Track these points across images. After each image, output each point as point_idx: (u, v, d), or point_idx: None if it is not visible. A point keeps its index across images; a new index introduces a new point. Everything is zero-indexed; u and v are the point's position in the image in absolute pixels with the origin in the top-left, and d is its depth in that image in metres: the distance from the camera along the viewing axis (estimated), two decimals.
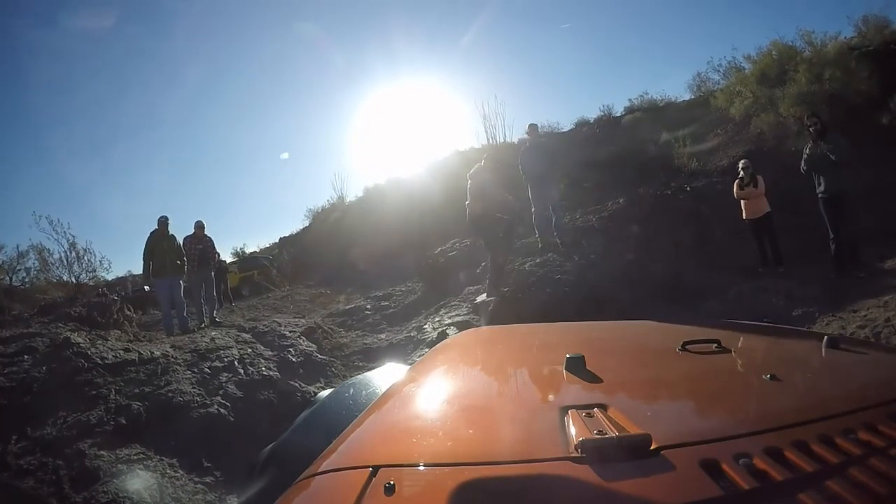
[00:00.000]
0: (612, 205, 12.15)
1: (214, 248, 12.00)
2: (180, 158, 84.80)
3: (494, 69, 62.39)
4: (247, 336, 7.77)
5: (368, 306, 11.57)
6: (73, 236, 13.72)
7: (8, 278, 14.69)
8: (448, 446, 0.97)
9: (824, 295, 7.55)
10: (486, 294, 8.95)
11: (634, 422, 0.91)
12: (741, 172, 9.81)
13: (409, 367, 1.99)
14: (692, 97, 20.22)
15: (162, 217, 10.69)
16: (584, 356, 1.28)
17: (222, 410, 5.91)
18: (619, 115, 21.24)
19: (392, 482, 0.78)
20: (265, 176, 79.99)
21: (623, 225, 11.01)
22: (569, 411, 0.97)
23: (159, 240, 10.49)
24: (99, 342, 7.09)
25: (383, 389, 1.59)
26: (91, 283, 15.11)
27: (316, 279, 19.36)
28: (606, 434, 0.84)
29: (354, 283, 16.35)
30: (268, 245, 33.25)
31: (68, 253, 13.40)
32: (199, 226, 11.54)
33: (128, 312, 10.82)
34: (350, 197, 26.25)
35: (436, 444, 0.98)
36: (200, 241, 11.41)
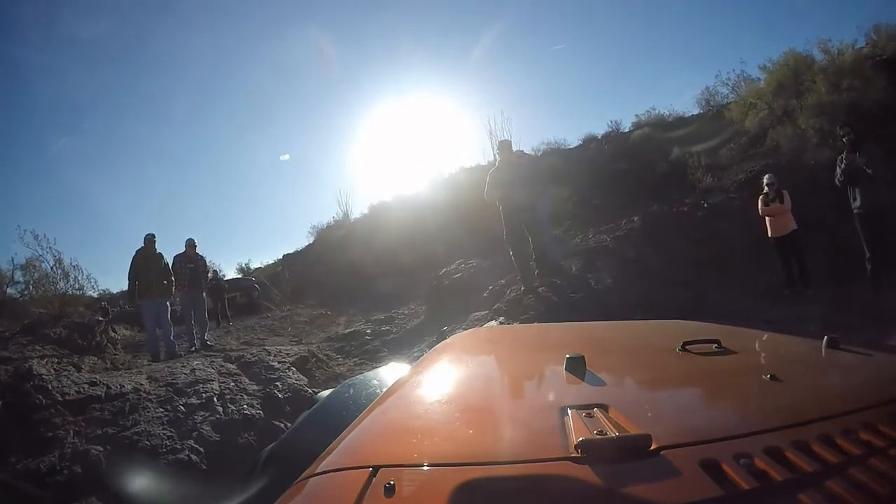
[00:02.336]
0: (626, 223, 11.30)
1: (206, 267, 11.25)
2: (184, 173, 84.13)
3: (500, 85, 61.58)
4: (231, 367, 6.93)
5: (368, 331, 10.67)
6: (59, 252, 12.96)
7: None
8: (448, 446, 0.93)
9: (866, 321, 6.62)
10: (521, 285, 8.48)
11: (634, 422, 0.88)
12: (765, 188, 9.05)
13: (409, 367, 1.92)
14: (701, 111, 19.79)
15: (149, 235, 9.90)
16: (584, 356, 1.25)
17: (194, 457, 5.10)
18: (627, 130, 20.75)
19: (392, 482, 0.74)
20: (270, 192, 79.27)
21: (639, 245, 10.22)
22: (569, 411, 0.94)
23: (146, 258, 9.68)
24: (65, 373, 6.33)
25: (383, 389, 1.57)
26: (95, 296, 14.48)
27: (317, 299, 18.53)
28: (606, 434, 0.82)
29: (356, 303, 15.54)
30: (272, 262, 32.44)
31: (54, 269, 12.64)
32: (191, 244, 10.76)
33: (112, 334, 10.06)
34: (355, 214, 25.90)
35: (436, 444, 0.94)
36: (192, 261, 10.62)
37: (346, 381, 2.22)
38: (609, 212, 13.26)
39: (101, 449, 5.05)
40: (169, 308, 9.93)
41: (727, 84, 18.57)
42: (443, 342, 2.16)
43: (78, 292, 13.01)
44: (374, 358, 8.79)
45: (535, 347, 1.96)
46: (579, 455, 0.77)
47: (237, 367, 6.96)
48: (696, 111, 20.04)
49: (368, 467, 0.81)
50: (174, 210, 72.59)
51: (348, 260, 19.72)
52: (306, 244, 27.98)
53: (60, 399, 5.64)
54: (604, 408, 0.95)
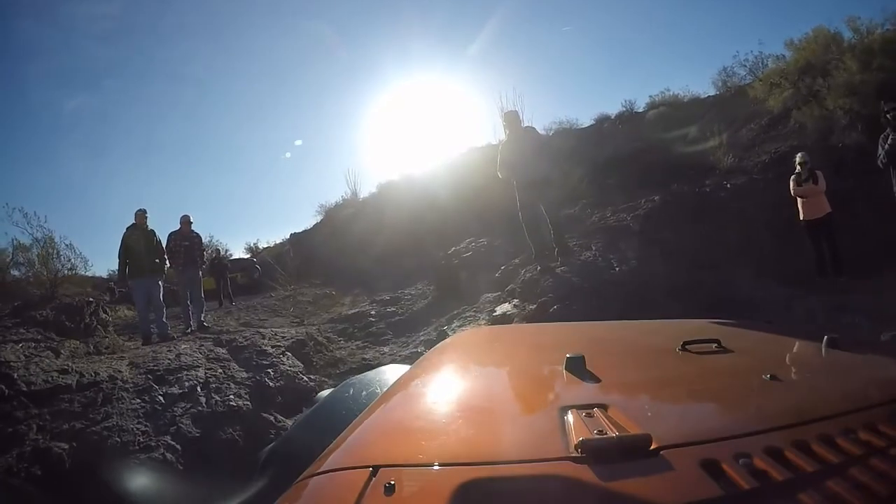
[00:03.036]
0: (646, 203, 10.61)
1: (202, 245, 10.58)
2: (193, 153, 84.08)
3: (510, 64, 60.77)
4: (221, 351, 6.28)
5: (373, 312, 9.95)
6: (51, 231, 12.25)
7: None
8: (448, 446, 0.92)
9: None
10: (537, 265, 7.88)
11: (634, 422, 0.87)
12: (798, 167, 8.42)
13: (409, 367, 1.82)
14: (717, 92, 19.39)
15: (139, 210, 9.21)
16: (584, 356, 1.22)
17: (169, 456, 4.49)
18: (641, 110, 20.34)
19: (392, 482, 0.74)
20: (279, 171, 79.00)
21: (661, 226, 9.50)
22: (569, 411, 0.92)
23: (136, 235, 9.01)
24: (38, 360, 5.71)
25: (383, 389, 1.53)
26: (88, 275, 13.93)
27: (323, 278, 17.86)
28: (606, 434, 0.81)
29: (362, 283, 14.86)
30: (279, 241, 31.92)
31: (45, 249, 11.96)
32: (186, 221, 10.03)
33: (104, 316, 9.43)
34: (364, 193, 25.37)
35: (436, 443, 0.94)
36: (187, 238, 9.92)
37: (346, 381, 2.14)
38: (626, 191, 12.64)
39: (66, 447, 4.47)
40: (161, 288, 9.24)
41: (745, 65, 18.31)
42: (443, 342, 2.10)
43: (70, 272, 12.35)
44: (377, 341, 8.08)
45: (534, 347, 1.90)
46: (579, 455, 0.75)
47: (227, 351, 6.31)
48: (712, 92, 19.65)
49: (368, 467, 0.80)
50: (184, 190, 72.50)
51: (355, 239, 19.22)
52: (314, 223, 27.39)
53: (25, 389, 5.02)
54: (604, 408, 0.93)
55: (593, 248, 8.58)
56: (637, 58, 56.79)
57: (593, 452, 0.75)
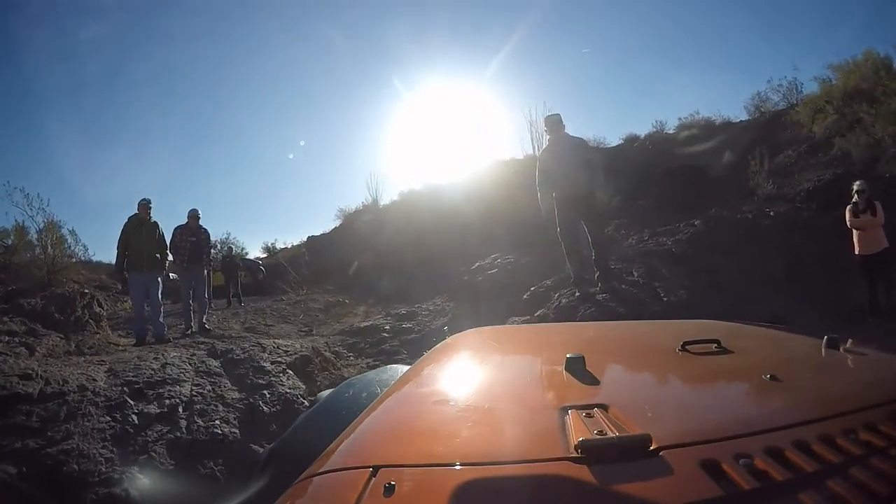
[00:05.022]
0: (685, 227, 9.89)
1: (209, 242, 9.78)
2: (217, 150, 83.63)
3: (538, 77, 59.49)
4: (214, 364, 5.40)
5: (387, 326, 9.02)
6: (53, 214, 11.51)
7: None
8: (448, 446, 0.90)
9: None
10: (575, 290, 7.12)
11: (634, 422, 0.86)
12: (855, 196, 7.85)
13: (409, 367, 1.78)
14: (750, 117, 18.63)
15: (143, 200, 8.40)
16: (584, 356, 1.20)
17: (133, 493, 3.64)
18: (672, 131, 19.40)
19: (392, 482, 0.73)
20: (301, 173, 78.19)
21: (704, 252, 8.77)
22: (569, 411, 0.91)
23: (138, 226, 8.21)
24: (2, 358, 4.87)
25: (383, 389, 1.51)
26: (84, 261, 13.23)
27: (336, 284, 16.91)
28: (606, 434, 0.79)
29: (377, 293, 13.94)
30: (296, 243, 31.26)
31: (43, 234, 11.20)
32: (193, 215, 9.28)
33: (98, 309, 8.63)
34: (385, 200, 24.45)
35: (436, 444, 0.92)
36: (194, 234, 9.15)
37: (346, 381, 2.02)
38: (658, 212, 12.14)
39: (13, 471, 3.63)
40: (161, 285, 8.45)
41: (779, 91, 17.84)
42: (443, 342, 1.98)
43: (71, 260, 11.62)
44: (389, 360, 7.11)
45: (535, 347, 1.84)
46: (579, 455, 0.74)
47: (220, 364, 5.42)
48: (744, 117, 18.93)
49: (368, 467, 0.79)
50: (204, 186, 72.19)
51: (373, 246, 18.34)
52: (332, 227, 26.44)
53: None
54: (604, 408, 0.92)
55: (635, 273, 7.65)
56: (666, 79, 55.48)
57: (593, 453, 0.73)
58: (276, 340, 6.56)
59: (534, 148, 18.65)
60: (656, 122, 20.30)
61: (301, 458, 1.02)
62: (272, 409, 4.71)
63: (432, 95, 43.53)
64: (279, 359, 5.70)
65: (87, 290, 8.89)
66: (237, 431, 4.35)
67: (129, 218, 8.28)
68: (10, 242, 11.94)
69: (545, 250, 9.96)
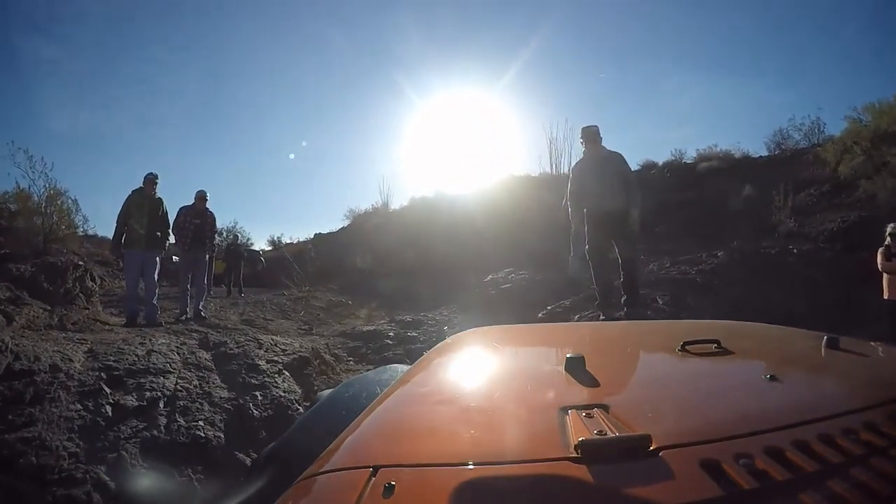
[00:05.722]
0: (708, 257, 9.69)
1: (215, 226, 9.31)
2: (234, 139, 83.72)
3: (556, 94, 59.36)
4: (204, 357, 4.89)
5: (391, 333, 8.47)
6: (55, 180, 11.06)
7: None
8: (448, 446, 0.88)
9: None
10: (600, 313, 6.72)
11: (634, 422, 0.85)
12: (888, 239, 7.49)
13: (409, 367, 1.75)
14: (770, 153, 18.70)
15: (149, 174, 7.92)
16: (584, 356, 1.17)
17: (97, 497, 3.14)
18: (691, 161, 19.21)
19: (392, 482, 0.72)
20: (313, 169, 78.12)
21: (727, 283, 8.53)
22: (568, 411, 0.90)
23: (141, 202, 7.72)
24: None
25: (383, 389, 1.45)
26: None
27: (340, 284, 16.45)
28: (606, 434, 0.79)
29: (381, 296, 13.44)
30: (303, 239, 30.90)
31: (43, 200, 10.72)
32: (201, 197, 8.80)
33: (91, 283, 8.17)
34: (395, 205, 24.11)
35: (435, 443, 0.91)
36: (199, 216, 8.68)
37: (346, 380, 1.97)
38: (675, 240, 12.07)
39: None
40: (158, 265, 7.97)
41: (800, 129, 18.20)
42: (443, 342, 1.90)
43: (70, 231, 11.16)
44: None
45: (534, 348, 1.84)
46: (579, 455, 0.73)
47: (212, 357, 4.90)
48: (763, 152, 18.96)
49: (368, 467, 0.78)
50: (217, 173, 72.11)
51: (381, 249, 17.98)
52: (340, 227, 26.09)
53: None
54: (603, 408, 0.91)
55: (660, 300, 7.23)
56: (685, 109, 55.21)
57: (593, 453, 0.73)
58: (273, 337, 6.05)
59: (552, 166, 18.45)
60: (675, 150, 20.24)
61: (301, 458, 1.01)
62: (263, 414, 4.19)
63: (449, 105, 43.27)
64: (276, 357, 5.17)
65: (81, 263, 8.43)
66: (222, 436, 3.84)
67: (133, 192, 7.81)
68: (13, 208, 11.49)
69: (560, 270, 9.75)
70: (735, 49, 56.55)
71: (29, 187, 10.97)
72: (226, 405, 4.17)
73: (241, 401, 4.26)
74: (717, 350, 1.32)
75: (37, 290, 7.02)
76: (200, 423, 3.88)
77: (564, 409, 0.90)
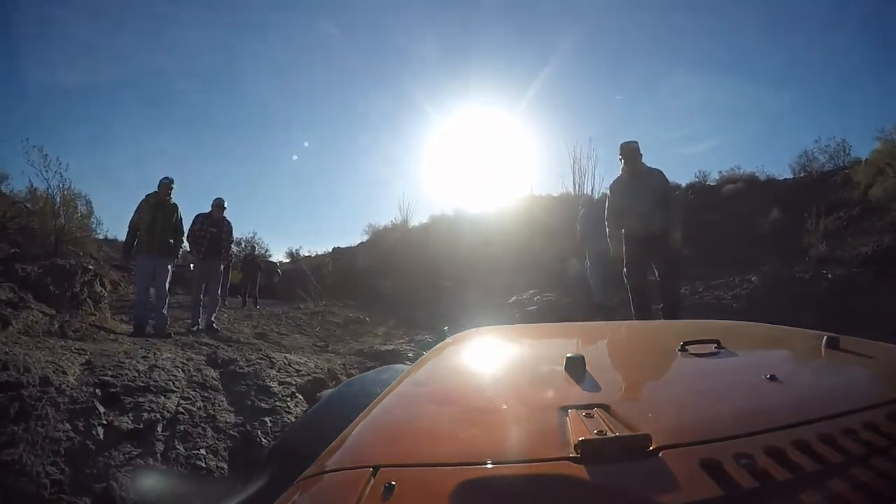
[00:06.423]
0: (741, 282, 9.43)
1: (231, 235, 8.94)
2: (255, 150, 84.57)
3: (579, 115, 59.08)
4: (211, 375, 4.46)
5: (411, 354, 8.00)
6: (69, 180, 10.87)
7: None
8: (448, 446, 0.88)
9: None
10: None
11: (634, 422, 0.84)
12: None
13: (408, 367, 1.72)
14: (795, 176, 18.38)
15: (165, 179, 7.61)
16: (584, 356, 1.17)
17: None
18: (714, 183, 19.03)
19: (392, 482, 0.71)
20: (331, 183, 78.49)
21: (763, 309, 8.06)
22: (568, 411, 0.89)
23: (154, 207, 7.41)
24: None
25: (383, 389, 1.40)
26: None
27: (357, 300, 16.01)
28: (606, 434, 0.78)
29: (399, 314, 12.97)
30: (321, 252, 30.84)
31: (56, 200, 10.46)
32: (218, 204, 8.50)
33: (99, 289, 7.84)
34: (414, 221, 23.83)
35: (436, 443, 0.90)
36: (215, 224, 8.37)
37: (347, 380, 2.03)
38: (704, 265, 11.69)
39: None
40: (170, 273, 7.64)
41: (826, 151, 17.80)
42: (443, 342, 1.87)
43: (85, 234, 10.90)
44: None
45: (535, 347, 1.81)
46: (579, 455, 0.73)
47: (219, 376, 4.48)
48: (787, 175, 18.63)
49: (368, 467, 0.78)
50: (235, 185, 72.67)
51: (399, 266, 17.75)
52: (359, 241, 26.01)
53: None
54: (603, 408, 0.91)
55: None
56: (707, 132, 54.48)
57: (593, 453, 0.72)
58: (287, 355, 5.62)
59: (575, 186, 17.99)
60: (699, 172, 20.06)
61: (301, 458, 0.98)
62: (272, 442, 3.80)
63: (469, 122, 43.24)
64: (289, 378, 4.72)
65: (91, 266, 8.09)
66: (225, 467, 3.42)
67: (147, 196, 7.50)
68: (31, 207, 11.27)
69: (583, 292, 9.69)
70: (756, 72, 55.89)
71: (48, 189, 10.76)
72: (231, 431, 3.75)
73: (248, 427, 3.82)
74: (717, 350, 1.31)
75: (43, 292, 6.69)
76: (202, 451, 3.46)
77: (564, 409, 0.90)
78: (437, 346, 1.85)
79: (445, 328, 2.42)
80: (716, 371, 1.23)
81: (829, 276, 9.78)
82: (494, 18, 71.50)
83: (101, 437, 3.33)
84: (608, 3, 56.83)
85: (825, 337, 1.32)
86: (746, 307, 8.11)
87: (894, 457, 0.74)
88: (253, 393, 4.28)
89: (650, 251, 6.15)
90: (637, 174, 6.35)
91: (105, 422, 3.44)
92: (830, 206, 13.63)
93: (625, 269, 6.32)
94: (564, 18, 64.62)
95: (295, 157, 79.26)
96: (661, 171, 6.44)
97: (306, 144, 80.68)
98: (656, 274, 6.26)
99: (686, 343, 1.32)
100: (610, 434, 0.77)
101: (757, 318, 6.47)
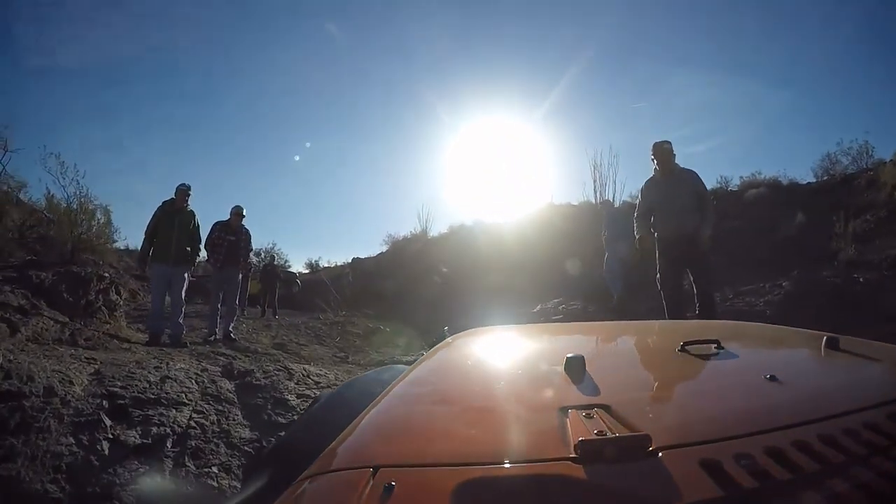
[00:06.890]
0: (772, 287, 9.23)
1: (250, 244, 8.78)
2: (270, 162, 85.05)
3: (599, 122, 58.56)
4: (226, 387, 4.22)
5: None
6: (87, 188, 10.85)
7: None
8: (448, 446, 0.86)
9: None
10: None
11: (634, 422, 0.83)
12: None
13: (408, 367, 1.63)
14: (817, 180, 18.03)
15: (182, 185, 7.47)
16: (584, 356, 1.15)
17: None
18: (736, 188, 18.88)
19: (392, 482, 0.69)
20: (350, 194, 78.74)
21: (797, 316, 7.60)
22: (568, 411, 0.87)
23: (171, 214, 7.28)
24: None
25: (383, 389, 1.35)
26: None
27: (377, 310, 15.79)
28: (606, 434, 0.76)
29: (419, 325, 12.64)
30: (340, 263, 30.83)
31: (74, 207, 10.38)
32: (237, 212, 8.31)
33: (115, 297, 7.69)
34: (434, 232, 23.72)
35: (436, 444, 0.88)
36: (234, 233, 8.18)
37: (347, 381, 1.99)
38: (731, 271, 11.27)
39: None
40: (186, 281, 7.48)
41: (848, 154, 17.41)
42: (443, 342, 1.84)
43: (101, 241, 10.80)
44: None
45: (534, 347, 1.78)
46: (579, 455, 0.71)
47: (234, 388, 4.26)
48: (809, 179, 18.26)
49: (368, 467, 0.75)
50: (255, 195, 73.08)
51: (420, 276, 17.58)
52: (378, 252, 25.94)
53: None
54: (603, 408, 0.89)
55: None
56: (725, 138, 53.64)
57: (593, 453, 0.71)
58: (306, 366, 5.38)
59: (596, 194, 17.84)
60: (720, 177, 19.80)
61: (301, 458, 0.95)
62: (273, 443, 3.57)
63: (489, 133, 43.20)
64: (307, 391, 4.45)
65: (106, 274, 7.95)
66: (238, 486, 3.20)
67: (163, 203, 7.38)
68: (51, 216, 11.22)
69: (607, 299, 9.73)
70: (776, 78, 55.04)
71: (68, 199, 10.72)
72: (246, 447, 3.50)
73: (264, 443, 3.57)
74: (717, 350, 1.29)
75: (56, 299, 6.55)
76: (214, 468, 3.22)
77: (564, 409, 0.88)
78: (437, 345, 1.84)
79: (446, 328, 2.29)
80: (716, 371, 1.23)
81: (861, 279, 9.58)
82: (510, 27, 71.48)
83: (106, 452, 3.11)
84: (629, 9, 56.35)
85: (825, 337, 1.31)
86: (780, 312, 7.90)
87: (894, 457, 0.73)
88: (269, 406, 4.04)
89: (684, 255, 6.01)
90: (671, 174, 6.23)
91: (111, 436, 3.23)
92: (858, 209, 13.42)
93: (658, 276, 6.13)
94: (584, 25, 64.14)
95: (297, 158, 79.45)
96: (695, 172, 6.33)
97: (309, 144, 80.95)
98: (691, 279, 6.11)
99: (686, 343, 1.30)
100: (610, 434, 0.76)
101: (795, 324, 6.21)
